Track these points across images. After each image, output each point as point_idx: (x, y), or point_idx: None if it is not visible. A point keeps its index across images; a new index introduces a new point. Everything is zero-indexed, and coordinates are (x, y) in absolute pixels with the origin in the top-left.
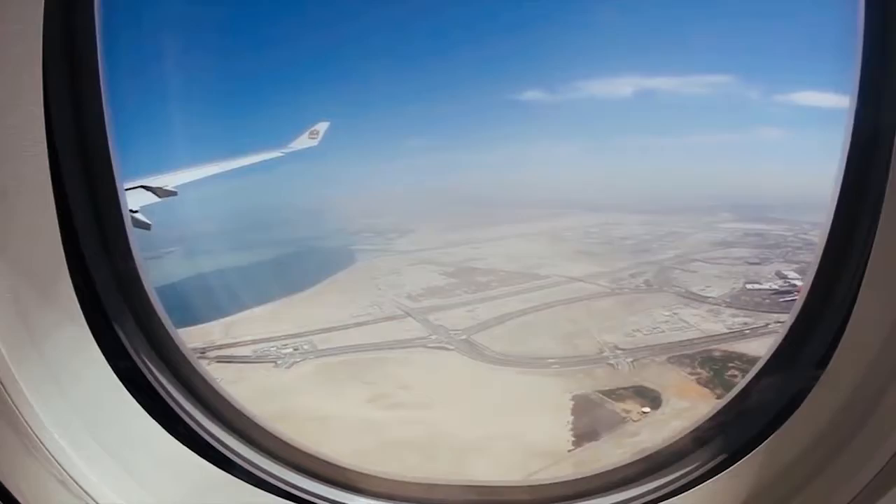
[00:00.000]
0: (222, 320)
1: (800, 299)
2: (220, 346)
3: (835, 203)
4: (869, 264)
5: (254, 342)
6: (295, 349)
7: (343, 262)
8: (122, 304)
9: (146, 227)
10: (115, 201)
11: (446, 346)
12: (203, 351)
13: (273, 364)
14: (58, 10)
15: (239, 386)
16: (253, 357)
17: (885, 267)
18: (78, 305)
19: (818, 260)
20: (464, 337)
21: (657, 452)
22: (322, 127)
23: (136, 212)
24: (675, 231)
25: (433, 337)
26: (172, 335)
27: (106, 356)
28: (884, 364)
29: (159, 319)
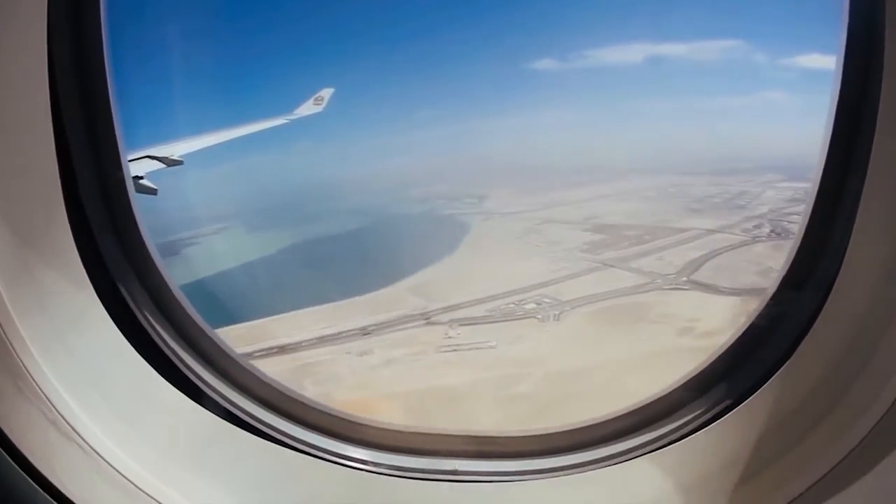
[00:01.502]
0: (397, 285)
1: (795, 241)
2: (445, 310)
3: (829, 134)
4: (862, 200)
5: (478, 302)
6: (537, 304)
7: (453, 226)
8: (121, 255)
9: (152, 192)
10: (116, 153)
11: (680, 286)
12: (427, 316)
13: (536, 319)
14: None
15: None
16: (499, 316)
17: (877, 210)
18: (77, 253)
19: (812, 199)
20: (685, 278)
21: (660, 399)
22: (327, 93)
23: (141, 178)
24: (744, 190)
25: (658, 281)
26: (169, 284)
27: (103, 302)
28: (885, 299)
29: (155, 266)
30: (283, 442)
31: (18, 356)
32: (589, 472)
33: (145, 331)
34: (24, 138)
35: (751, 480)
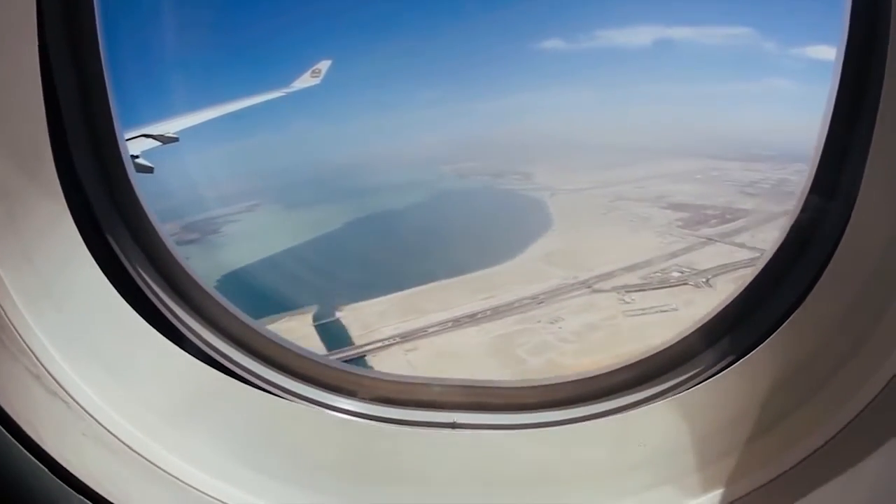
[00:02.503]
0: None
1: (801, 195)
2: (600, 279)
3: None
4: (868, 161)
5: (626, 271)
6: (681, 273)
7: (527, 202)
8: (110, 205)
9: (149, 170)
10: (111, 125)
11: None
12: (587, 285)
13: (690, 285)
14: None
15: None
16: (655, 283)
17: (885, 166)
18: (67, 210)
19: (820, 148)
20: None
21: (666, 350)
22: (324, 65)
23: (136, 156)
24: (784, 178)
25: None
26: (160, 234)
27: (94, 257)
28: (890, 262)
29: (150, 223)
30: (275, 394)
31: (2, 308)
32: (593, 423)
33: (134, 281)
34: (11, 93)
35: (765, 434)
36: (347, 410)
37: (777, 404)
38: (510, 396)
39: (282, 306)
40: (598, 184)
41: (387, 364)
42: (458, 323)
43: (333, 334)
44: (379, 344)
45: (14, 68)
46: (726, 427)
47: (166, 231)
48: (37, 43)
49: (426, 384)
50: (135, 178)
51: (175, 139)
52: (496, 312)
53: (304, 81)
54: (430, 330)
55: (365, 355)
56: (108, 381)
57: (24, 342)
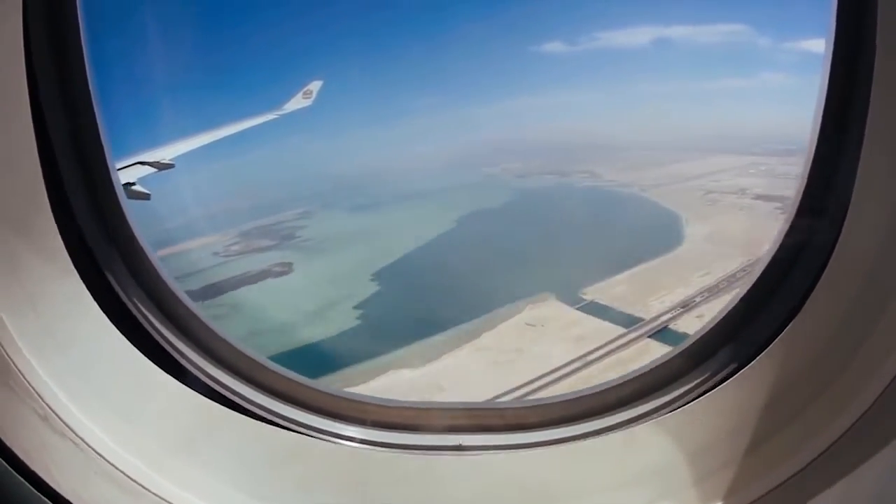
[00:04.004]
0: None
1: (791, 207)
2: None
3: (822, 102)
4: (860, 168)
5: None
6: None
7: (615, 198)
8: (108, 243)
9: (145, 197)
10: (104, 162)
11: None
12: None
13: None
14: None
15: None
16: None
17: (876, 172)
18: (64, 248)
19: (809, 161)
20: None
21: (663, 365)
22: (315, 86)
23: (133, 184)
24: None
25: None
26: (157, 268)
27: (94, 296)
28: (887, 263)
29: (145, 254)
30: (280, 424)
31: (7, 353)
32: (594, 441)
33: (134, 318)
34: (3, 138)
35: (764, 443)
36: (352, 438)
37: (775, 414)
38: (512, 417)
39: (503, 298)
40: (672, 179)
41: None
42: (718, 290)
43: (605, 314)
44: (668, 315)
45: (5, 111)
46: (725, 439)
47: (167, 272)
48: (25, 79)
49: (429, 408)
50: (130, 212)
51: (171, 165)
52: (730, 282)
53: (296, 103)
54: (698, 299)
55: (666, 326)
56: (114, 419)
57: (31, 385)
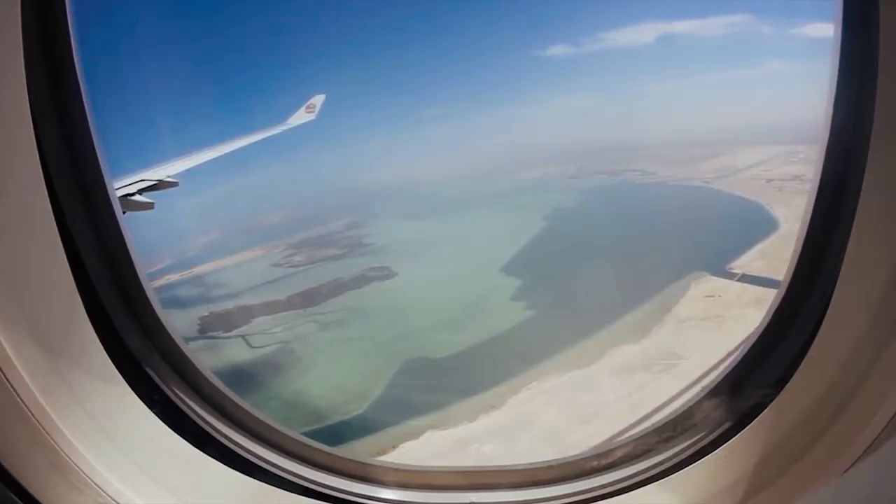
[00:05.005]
0: None
1: (787, 272)
2: None
3: (819, 168)
4: (858, 211)
5: None
6: None
7: (687, 192)
8: (128, 317)
9: (149, 206)
10: (108, 202)
11: None
12: None
13: None
14: (31, 9)
15: None
16: None
17: (871, 230)
18: (89, 322)
19: (809, 211)
20: None
21: (659, 428)
22: (318, 100)
23: (132, 194)
24: None
25: None
26: (190, 357)
27: (133, 388)
28: (879, 324)
29: (175, 343)
30: (319, 493)
31: (65, 453)
32: (600, 501)
33: (177, 407)
34: (30, 245)
35: (763, 491)
36: (366, 496)
37: (773, 466)
38: (521, 475)
39: (662, 280)
40: (726, 171)
41: None
42: None
43: (763, 282)
44: None
45: (13, 157)
46: (723, 493)
47: (190, 347)
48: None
49: (441, 471)
50: (167, 321)
51: (175, 183)
52: None
53: (300, 117)
54: None
55: None
56: (167, 500)
57: (88, 477)
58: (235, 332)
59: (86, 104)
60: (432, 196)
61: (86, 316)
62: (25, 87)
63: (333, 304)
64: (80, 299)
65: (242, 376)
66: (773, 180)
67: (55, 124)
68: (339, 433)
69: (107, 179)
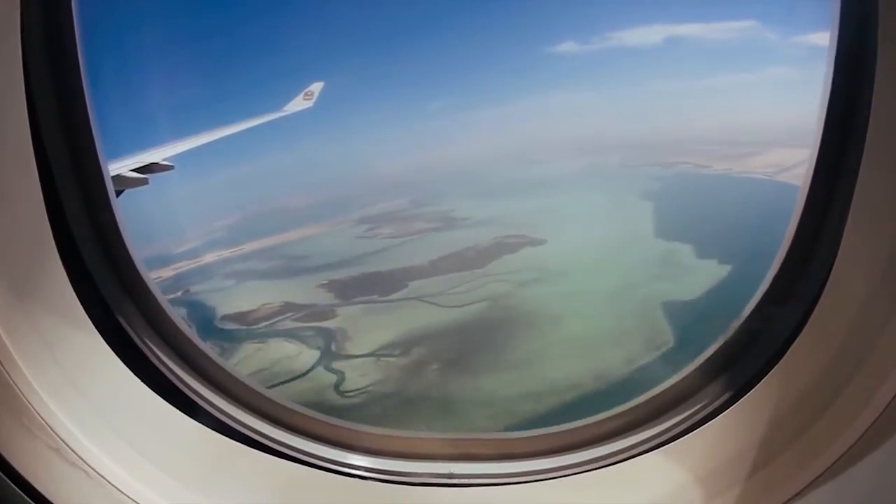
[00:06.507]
0: None
1: (791, 227)
2: None
3: (817, 146)
4: (855, 193)
5: None
6: None
7: (759, 184)
8: (115, 284)
9: (143, 182)
10: (100, 176)
11: None
12: None
13: None
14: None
15: None
16: None
17: (869, 204)
18: (76, 298)
19: (807, 185)
20: None
21: (663, 392)
22: (317, 87)
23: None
24: None
25: None
26: (164, 307)
27: (104, 335)
28: (879, 296)
29: (153, 296)
30: (287, 455)
31: (23, 394)
32: (593, 472)
33: (144, 355)
34: (9, 183)
35: (762, 470)
36: (347, 464)
37: (776, 439)
38: (509, 446)
39: None
40: (779, 168)
41: None
42: None
43: None
44: None
45: (8, 145)
46: (725, 466)
47: (173, 310)
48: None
49: (421, 437)
50: (138, 259)
51: (170, 167)
52: None
53: (297, 104)
54: None
55: None
56: (127, 453)
57: (45, 422)
58: (397, 295)
59: (84, 83)
60: (491, 178)
61: (58, 257)
62: (21, 64)
63: (500, 265)
64: (52, 238)
65: (491, 331)
66: None
67: (50, 96)
68: (674, 363)
69: (95, 136)
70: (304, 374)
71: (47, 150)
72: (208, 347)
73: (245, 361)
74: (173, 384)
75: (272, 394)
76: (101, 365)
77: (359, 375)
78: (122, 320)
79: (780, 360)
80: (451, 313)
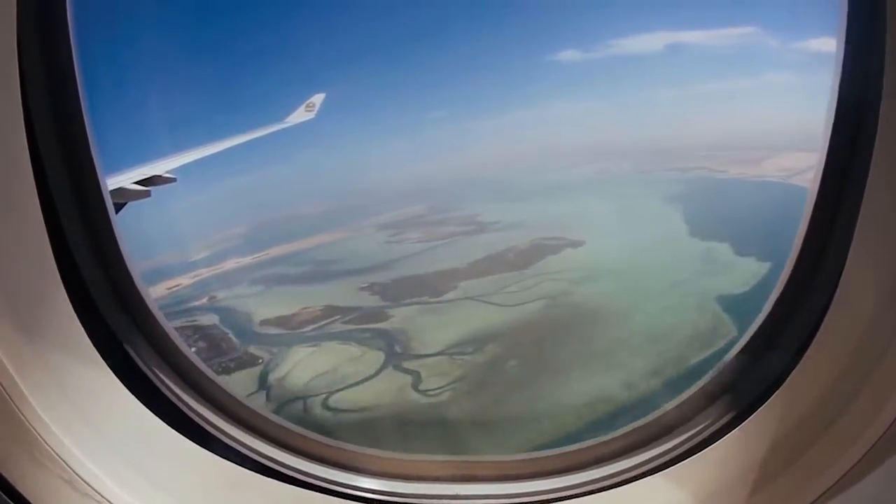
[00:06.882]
0: None
1: (790, 260)
2: None
3: (823, 160)
4: (859, 221)
5: None
6: None
7: (786, 188)
8: (116, 304)
9: (145, 195)
10: (101, 200)
11: None
12: None
13: None
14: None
15: None
16: None
17: (876, 223)
18: (73, 310)
19: (808, 215)
20: None
21: (665, 414)
22: (318, 99)
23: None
24: None
25: None
26: (171, 336)
27: (111, 366)
28: (883, 318)
29: (160, 325)
30: (298, 481)
31: (32, 426)
32: (595, 494)
33: (153, 385)
34: (10, 219)
35: (763, 491)
36: (355, 486)
37: (778, 459)
38: (514, 467)
39: None
40: (792, 171)
41: None
42: None
43: None
44: None
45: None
46: (726, 489)
47: (177, 334)
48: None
49: (426, 460)
50: (144, 288)
51: (172, 179)
52: None
53: (299, 116)
54: None
55: None
56: (138, 482)
57: (56, 453)
58: (448, 296)
59: (81, 99)
60: (507, 184)
61: (63, 288)
62: (18, 78)
63: (546, 266)
64: (58, 275)
65: (560, 327)
66: None
67: (49, 115)
68: None
69: (95, 158)
70: (374, 376)
71: (49, 179)
72: (216, 375)
73: (300, 365)
74: (183, 413)
75: (280, 419)
76: (110, 396)
77: (436, 374)
78: (129, 350)
79: (782, 382)
80: (511, 312)
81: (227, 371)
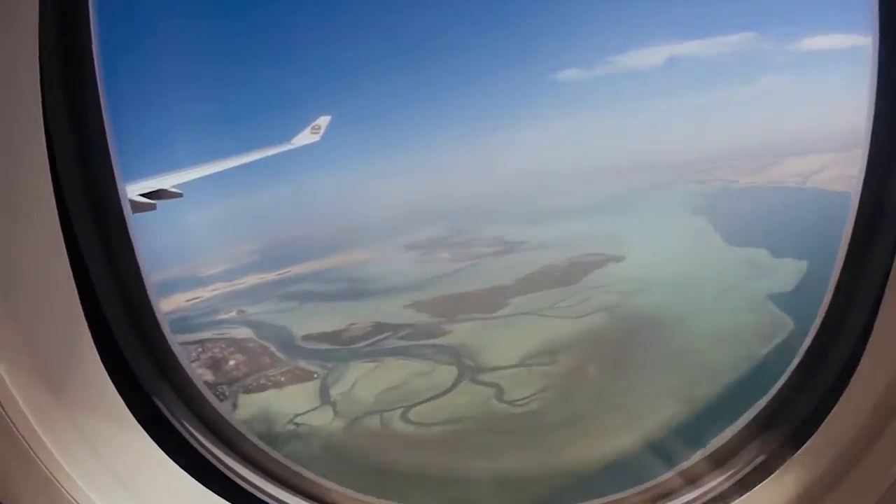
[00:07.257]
0: None
1: (823, 306)
2: None
3: (864, 168)
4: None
5: None
6: None
7: (810, 194)
8: (139, 349)
9: (151, 208)
10: (125, 232)
11: None
12: None
13: None
14: (52, 14)
15: None
16: None
17: None
18: (114, 387)
19: (840, 265)
20: None
21: (696, 464)
22: (324, 121)
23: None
24: None
25: None
26: (206, 395)
27: (142, 424)
28: None
29: (190, 378)
30: None
31: (67, 491)
32: None
33: (186, 441)
34: (38, 270)
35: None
36: None
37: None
38: None
39: None
40: (802, 175)
41: None
42: None
43: None
44: None
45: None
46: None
47: (210, 392)
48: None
49: None
50: (178, 350)
51: (179, 194)
52: None
53: (305, 138)
54: None
55: None
56: None
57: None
58: (502, 311)
59: (105, 116)
60: (524, 204)
61: (94, 348)
62: (40, 92)
63: (594, 280)
64: (87, 329)
65: (627, 335)
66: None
67: (70, 142)
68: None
69: (125, 209)
70: (450, 389)
71: (78, 239)
72: (246, 428)
73: (364, 380)
74: (216, 469)
75: (310, 473)
76: (142, 455)
77: (517, 385)
78: (160, 406)
79: (817, 428)
80: (573, 324)
81: (277, 385)
